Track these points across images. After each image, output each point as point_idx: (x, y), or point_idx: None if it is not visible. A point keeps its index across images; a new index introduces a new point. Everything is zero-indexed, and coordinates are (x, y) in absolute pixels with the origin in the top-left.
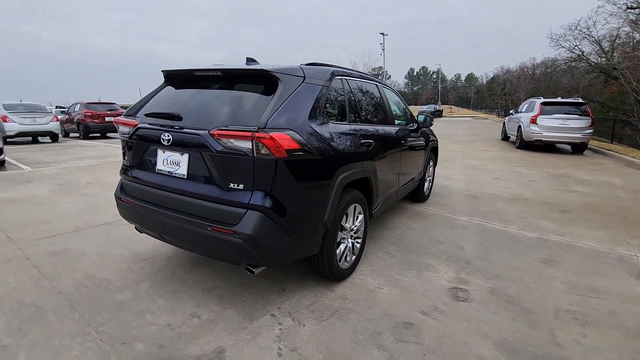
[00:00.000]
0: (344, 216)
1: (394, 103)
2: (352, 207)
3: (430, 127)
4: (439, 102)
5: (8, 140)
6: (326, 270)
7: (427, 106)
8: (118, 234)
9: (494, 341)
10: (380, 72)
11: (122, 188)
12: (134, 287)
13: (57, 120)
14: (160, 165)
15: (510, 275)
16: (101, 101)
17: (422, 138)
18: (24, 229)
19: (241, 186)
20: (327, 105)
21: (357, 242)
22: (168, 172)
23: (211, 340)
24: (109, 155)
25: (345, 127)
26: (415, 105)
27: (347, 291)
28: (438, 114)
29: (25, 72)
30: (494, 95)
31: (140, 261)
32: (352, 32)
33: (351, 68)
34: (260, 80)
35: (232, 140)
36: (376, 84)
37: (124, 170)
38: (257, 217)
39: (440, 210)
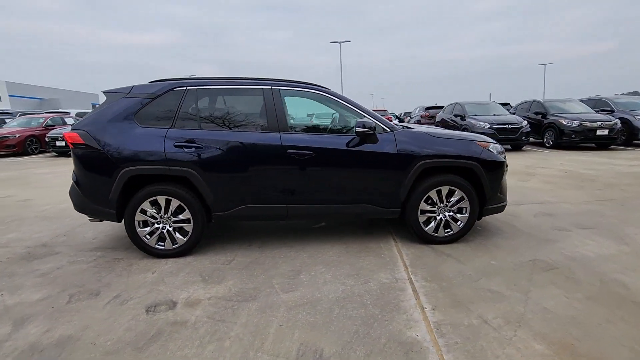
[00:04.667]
0: (151, 204)
1: (309, 110)
2: (161, 198)
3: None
4: None
5: None
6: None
7: None
8: None
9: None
10: None
11: None
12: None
13: None
14: None
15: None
16: (377, 108)
17: (381, 154)
18: None
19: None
20: (146, 113)
21: (184, 232)
22: None
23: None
24: None
25: (153, 130)
26: None
27: (136, 263)
28: None
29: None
30: None
31: None
32: None
33: (221, 77)
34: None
35: None
36: (262, 88)
37: None
38: (72, 184)
39: (412, 257)
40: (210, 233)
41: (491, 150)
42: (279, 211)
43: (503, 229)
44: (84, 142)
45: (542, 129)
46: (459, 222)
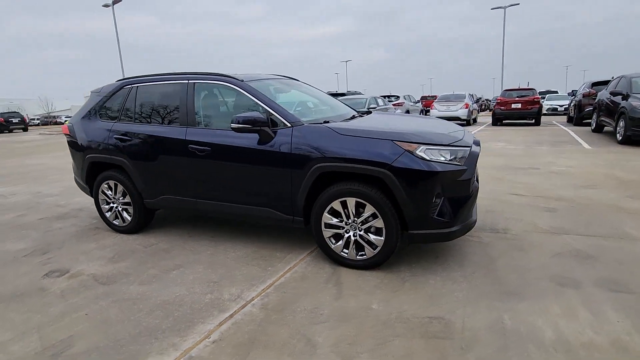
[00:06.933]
0: (107, 187)
1: (218, 103)
2: (112, 183)
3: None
4: None
5: None
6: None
7: None
8: None
9: None
10: None
11: None
12: None
13: (467, 107)
14: None
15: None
16: (520, 87)
17: (273, 152)
18: None
19: None
20: (104, 109)
21: (130, 213)
22: None
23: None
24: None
25: (105, 124)
26: None
27: (101, 233)
28: None
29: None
30: None
31: None
32: None
33: (160, 74)
34: None
35: None
36: (181, 83)
37: None
38: None
39: (297, 277)
40: (180, 215)
41: (420, 154)
42: (190, 205)
43: (467, 266)
44: (69, 133)
45: None
46: (374, 246)
